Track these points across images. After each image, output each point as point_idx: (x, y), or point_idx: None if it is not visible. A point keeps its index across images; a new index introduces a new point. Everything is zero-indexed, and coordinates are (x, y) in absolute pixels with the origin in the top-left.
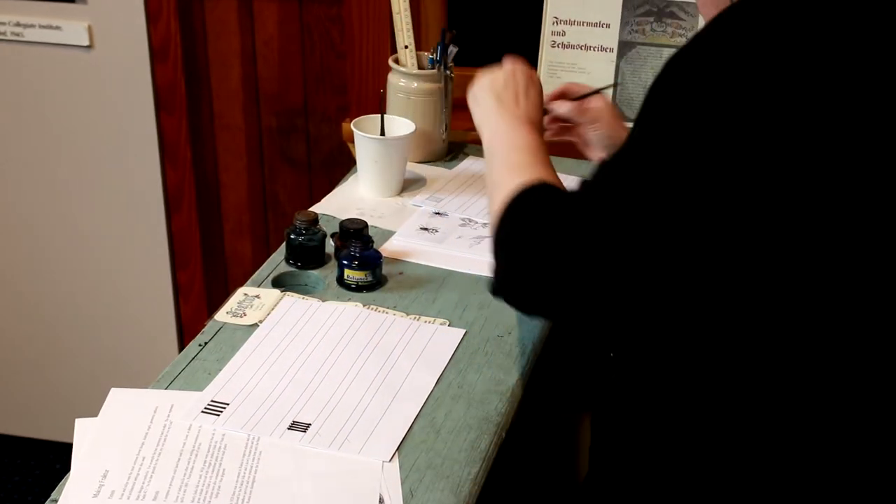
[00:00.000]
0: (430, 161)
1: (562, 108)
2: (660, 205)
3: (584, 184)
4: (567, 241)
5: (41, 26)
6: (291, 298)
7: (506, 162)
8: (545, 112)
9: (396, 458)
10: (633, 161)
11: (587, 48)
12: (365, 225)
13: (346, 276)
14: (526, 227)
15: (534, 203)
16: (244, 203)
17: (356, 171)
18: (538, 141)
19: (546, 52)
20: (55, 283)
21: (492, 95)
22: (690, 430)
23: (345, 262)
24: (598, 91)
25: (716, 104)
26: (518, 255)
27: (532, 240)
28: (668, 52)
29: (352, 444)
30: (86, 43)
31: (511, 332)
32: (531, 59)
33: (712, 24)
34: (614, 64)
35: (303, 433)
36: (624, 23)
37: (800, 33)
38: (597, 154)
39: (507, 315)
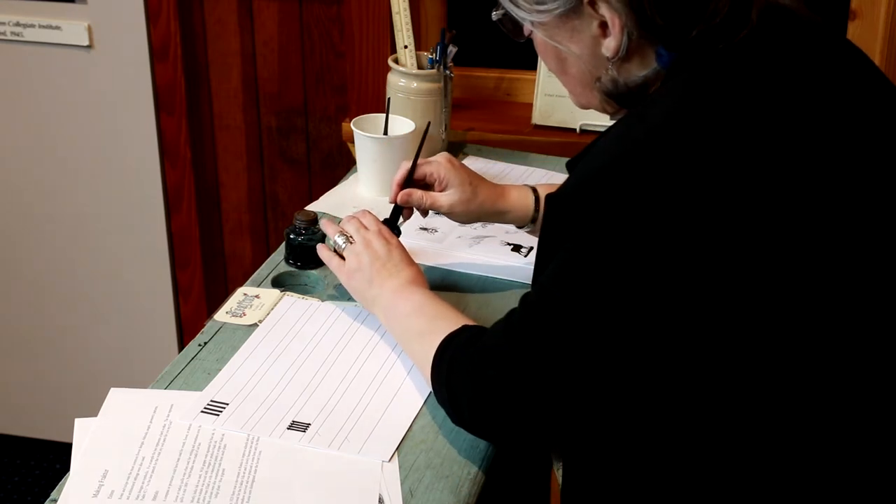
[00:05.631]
0: None
1: (415, 202)
2: (585, 328)
3: (510, 317)
4: (514, 376)
5: (41, 26)
6: (291, 298)
7: (413, 333)
8: (400, 213)
9: (396, 458)
10: (560, 293)
11: None
12: None
13: None
14: (472, 377)
15: (466, 354)
16: (244, 203)
17: (356, 170)
18: (425, 294)
19: None
20: (55, 283)
21: (364, 281)
22: (660, 482)
23: None
24: (414, 165)
25: (629, 241)
26: (477, 405)
27: (481, 387)
28: None
29: (351, 443)
30: (86, 43)
31: None
32: (530, 59)
33: (619, 164)
34: None
35: (302, 433)
36: None
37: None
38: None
39: None
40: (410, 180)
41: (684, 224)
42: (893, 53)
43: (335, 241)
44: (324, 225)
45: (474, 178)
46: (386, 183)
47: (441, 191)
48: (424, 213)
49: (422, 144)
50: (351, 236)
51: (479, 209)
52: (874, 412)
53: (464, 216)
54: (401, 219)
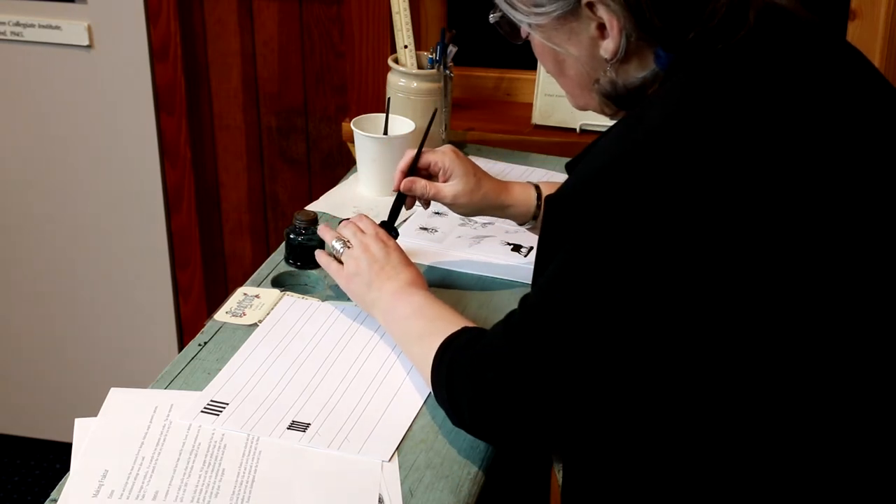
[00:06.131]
0: None
1: (419, 190)
2: (584, 330)
3: (510, 319)
4: (513, 378)
5: (41, 26)
6: (291, 298)
7: (413, 335)
8: (401, 207)
9: (396, 458)
10: (561, 292)
11: None
12: None
13: None
14: (472, 380)
15: (466, 356)
16: (244, 203)
17: (356, 170)
18: (424, 296)
19: None
20: (55, 283)
21: (363, 284)
22: (660, 483)
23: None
24: (419, 153)
25: (629, 244)
26: (477, 407)
27: (481, 389)
28: None
29: (351, 443)
30: (86, 43)
31: None
32: (530, 59)
33: (623, 161)
34: None
35: (302, 433)
36: None
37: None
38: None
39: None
40: (415, 169)
41: (683, 225)
42: (893, 53)
43: (333, 246)
44: (321, 231)
45: (478, 171)
46: (386, 183)
47: (445, 181)
48: (427, 204)
49: (426, 134)
50: (348, 241)
51: (483, 201)
52: (874, 412)
53: (467, 208)
54: (402, 209)
